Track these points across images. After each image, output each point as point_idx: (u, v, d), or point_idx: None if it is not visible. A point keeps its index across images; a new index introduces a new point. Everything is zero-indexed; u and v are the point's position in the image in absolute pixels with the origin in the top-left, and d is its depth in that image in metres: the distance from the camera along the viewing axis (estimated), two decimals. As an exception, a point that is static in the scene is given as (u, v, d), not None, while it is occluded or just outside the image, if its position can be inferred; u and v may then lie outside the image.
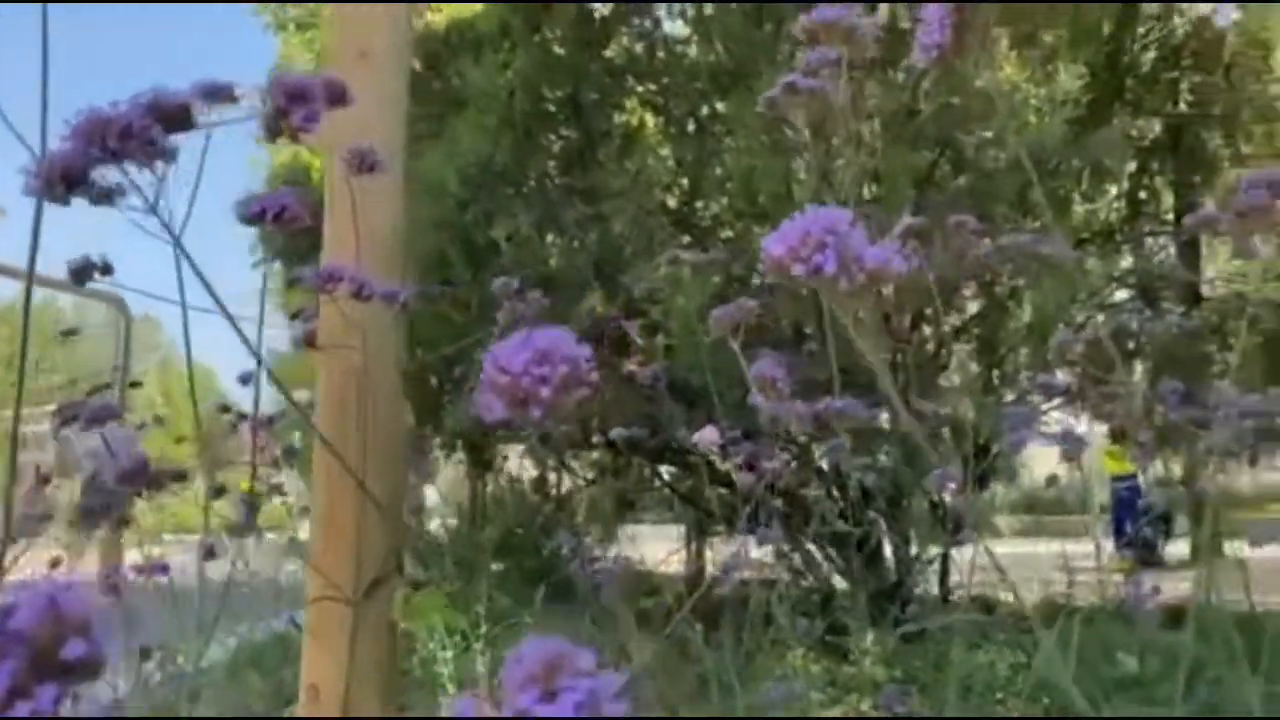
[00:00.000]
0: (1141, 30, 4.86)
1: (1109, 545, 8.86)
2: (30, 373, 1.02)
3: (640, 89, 4.75)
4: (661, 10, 4.67)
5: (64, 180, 0.88)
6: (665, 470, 5.49)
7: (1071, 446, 2.10)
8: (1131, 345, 4.23)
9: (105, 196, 0.92)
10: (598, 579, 1.92)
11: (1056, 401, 4.33)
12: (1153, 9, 4.87)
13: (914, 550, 4.05)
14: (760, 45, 4.01)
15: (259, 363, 1.21)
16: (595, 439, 4.74)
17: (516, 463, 6.20)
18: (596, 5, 4.58)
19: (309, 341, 1.29)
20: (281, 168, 6.62)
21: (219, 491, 1.39)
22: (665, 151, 4.82)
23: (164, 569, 1.39)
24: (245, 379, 2.13)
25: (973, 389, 4.20)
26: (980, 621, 2.90)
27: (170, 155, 0.89)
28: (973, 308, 4.46)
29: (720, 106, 4.36)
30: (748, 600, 2.06)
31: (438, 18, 4.66)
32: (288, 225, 1.02)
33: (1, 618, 0.37)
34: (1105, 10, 4.52)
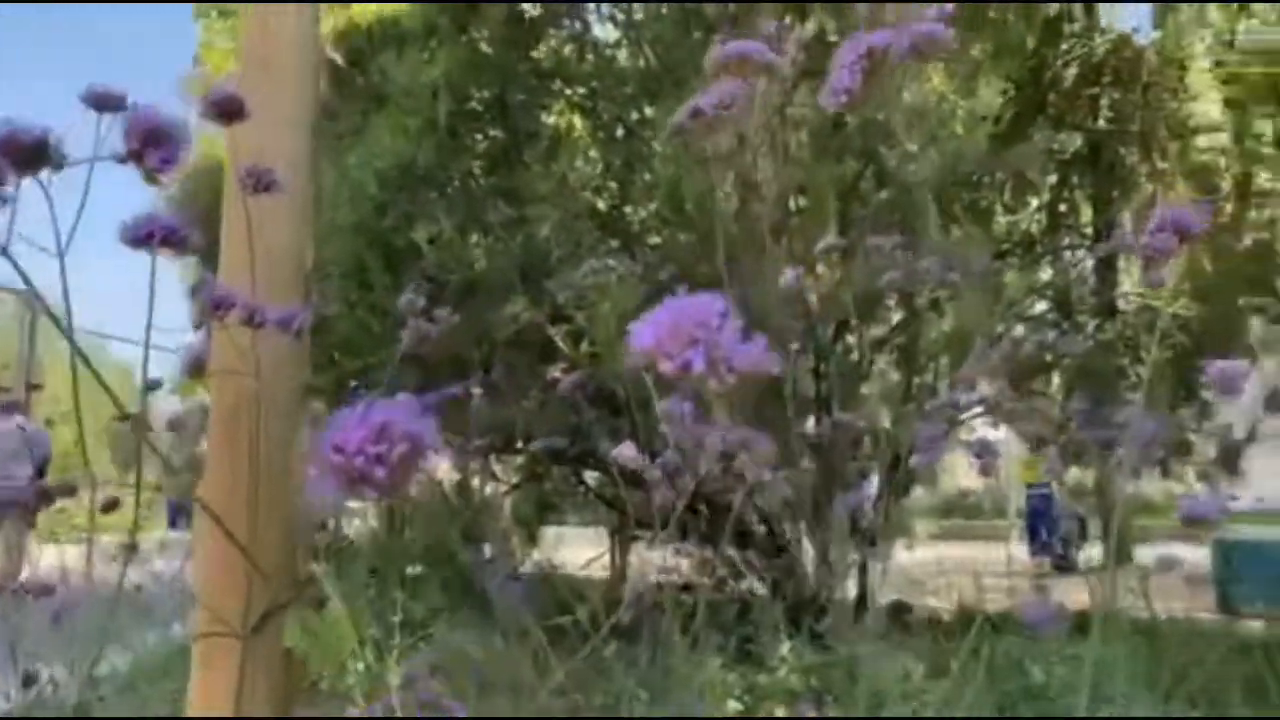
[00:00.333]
0: (1064, 47, 4.97)
1: (1024, 552, 9.04)
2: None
3: (569, 92, 4.72)
4: (592, 13, 4.65)
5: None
6: (591, 475, 5.46)
7: (986, 459, 2.12)
8: (1049, 358, 4.33)
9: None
10: (508, 590, 1.90)
11: (975, 412, 4.41)
12: (1075, 25, 4.98)
13: (832, 558, 4.08)
14: (690, 51, 4.01)
15: (144, 388, 1.16)
16: (519, 444, 4.70)
17: (439, 466, 6.11)
18: (526, 6, 4.54)
19: (193, 370, 1.24)
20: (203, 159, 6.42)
21: (110, 506, 1.34)
22: (594, 154, 4.80)
23: (50, 590, 1.34)
24: (153, 385, 2.06)
25: (892, 399, 4.25)
26: (893, 629, 2.93)
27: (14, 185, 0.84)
28: (895, 318, 4.52)
29: (649, 112, 4.35)
30: (663, 609, 2.05)
31: (362, 11, 4.57)
32: (177, 249, 0.97)
33: None
34: (1030, 26, 4.60)
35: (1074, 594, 2.23)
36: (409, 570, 3.58)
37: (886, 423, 3.77)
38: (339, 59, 4.31)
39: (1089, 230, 5.36)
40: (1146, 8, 4.99)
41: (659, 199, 4.09)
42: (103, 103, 0.91)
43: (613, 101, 4.54)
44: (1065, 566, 8.07)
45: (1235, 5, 4.72)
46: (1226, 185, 4.80)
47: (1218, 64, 4.83)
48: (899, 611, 3.96)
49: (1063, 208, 5.37)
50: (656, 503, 1.61)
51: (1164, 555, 1.49)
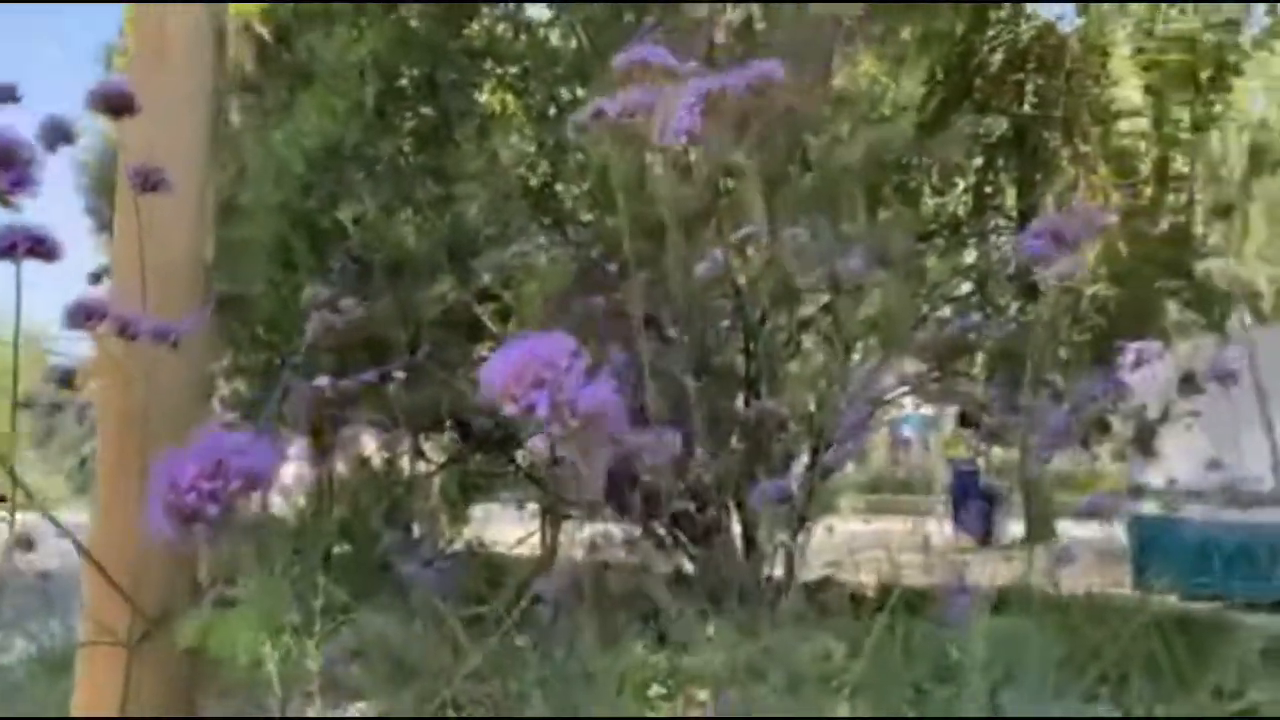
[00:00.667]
0: (991, 33, 5.04)
1: (948, 527, 9.18)
2: None
3: (500, 71, 4.68)
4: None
5: None
6: (520, 454, 5.45)
7: (902, 442, 2.16)
8: (972, 338, 4.41)
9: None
10: (424, 575, 1.90)
11: (900, 391, 4.46)
12: (1001, 12, 5.06)
13: (761, 536, 4.12)
14: (622, 32, 3.99)
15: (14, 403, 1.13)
16: (447, 424, 4.67)
17: (366, 444, 6.05)
18: (457, -17, 4.48)
19: (65, 383, 1.20)
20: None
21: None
22: (527, 133, 4.76)
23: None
24: (64, 381, 2.01)
25: (818, 381, 4.30)
26: (811, 609, 2.97)
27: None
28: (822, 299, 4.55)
29: (581, 93, 4.33)
30: (588, 588, 2.06)
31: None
32: (46, 258, 0.93)
33: None
34: (958, 12, 4.67)
35: (996, 569, 2.29)
36: (334, 549, 3.54)
37: (813, 406, 3.82)
38: (265, 34, 4.22)
39: (1013, 213, 5.46)
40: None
41: (589, 179, 4.08)
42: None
43: (544, 82, 4.51)
44: (988, 542, 8.22)
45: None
46: (1146, 169, 4.92)
47: (1138, 51, 4.94)
48: (822, 589, 4.01)
49: (988, 190, 5.46)
50: (573, 492, 1.62)
51: (1064, 546, 1.55)
